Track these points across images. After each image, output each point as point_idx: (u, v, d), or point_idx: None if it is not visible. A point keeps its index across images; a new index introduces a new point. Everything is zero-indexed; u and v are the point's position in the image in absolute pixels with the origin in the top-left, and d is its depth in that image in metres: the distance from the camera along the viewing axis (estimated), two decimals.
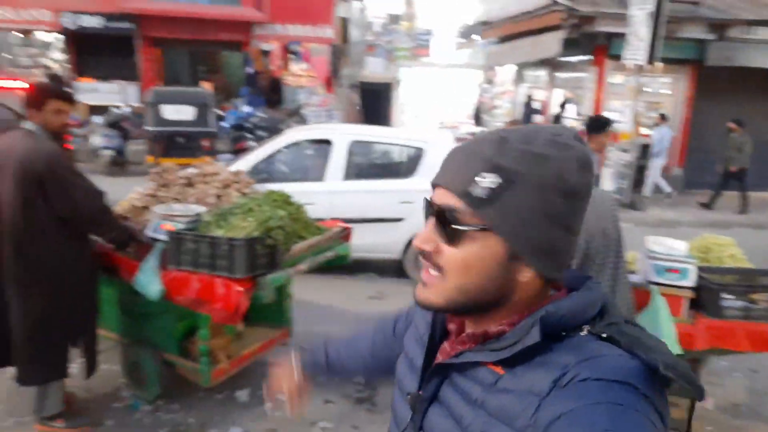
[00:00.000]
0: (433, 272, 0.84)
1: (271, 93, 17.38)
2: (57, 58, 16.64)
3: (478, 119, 16.82)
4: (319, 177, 5.99)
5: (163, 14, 16.01)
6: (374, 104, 18.94)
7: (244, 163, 5.96)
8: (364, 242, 5.61)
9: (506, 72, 17.88)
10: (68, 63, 16.76)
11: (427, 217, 0.86)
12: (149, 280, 3.23)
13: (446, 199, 0.82)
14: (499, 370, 0.81)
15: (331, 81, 17.60)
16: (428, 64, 18.92)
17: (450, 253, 0.82)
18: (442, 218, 0.81)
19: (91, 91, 15.90)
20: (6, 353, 3.15)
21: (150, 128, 10.55)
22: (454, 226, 0.80)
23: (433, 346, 0.96)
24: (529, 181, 0.78)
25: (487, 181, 0.78)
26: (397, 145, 6.43)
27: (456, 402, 0.85)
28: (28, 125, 3.08)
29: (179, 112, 10.70)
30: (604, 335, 0.78)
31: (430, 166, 5.98)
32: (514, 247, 0.79)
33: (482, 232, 0.79)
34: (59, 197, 2.97)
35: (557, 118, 13.51)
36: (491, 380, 0.81)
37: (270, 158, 6.15)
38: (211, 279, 3.09)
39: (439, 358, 0.94)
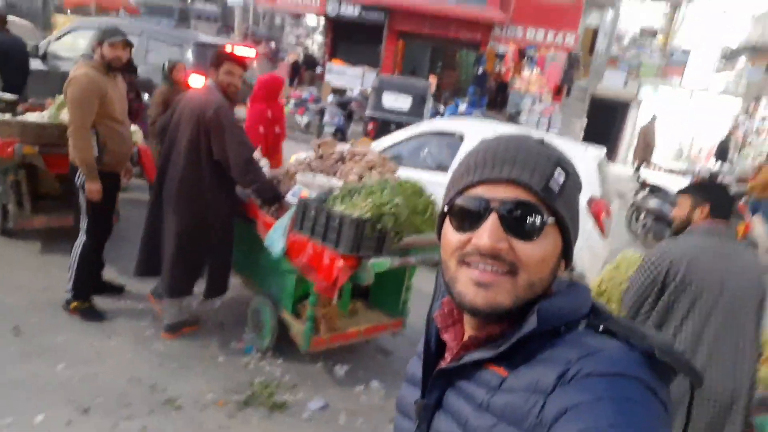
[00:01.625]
0: (494, 271, 0.81)
1: (496, 95, 17.32)
2: (317, 41, 18.82)
3: (723, 154, 14.56)
4: (445, 168, 5.84)
5: (412, 9, 16.98)
6: (604, 121, 17.67)
7: (380, 144, 6.06)
8: None
9: None
10: (325, 45, 18.81)
11: (482, 215, 0.82)
12: (276, 238, 3.51)
13: (518, 194, 0.81)
14: (503, 371, 0.81)
15: (561, 90, 16.85)
16: (677, 86, 16.93)
17: (527, 249, 0.81)
18: (519, 214, 0.80)
19: (339, 73, 17.60)
20: (156, 265, 3.78)
21: (369, 112, 11.32)
22: (536, 221, 0.80)
23: (429, 357, 0.95)
24: (573, 179, 0.85)
25: (561, 176, 0.82)
26: None
27: (461, 407, 0.84)
28: (208, 82, 3.58)
29: (397, 101, 11.28)
30: (601, 328, 0.80)
31: None
32: (569, 238, 0.84)
33: (553, 226, 0.82)
34: (217, 143, 3.47)
35: None
36: (496, 383, 0.80)
37: (404, 143, 6.18)
38: (321, 249, 3.23)
39: (442, 365, 0.92)
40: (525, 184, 0.81)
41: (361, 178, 3.82)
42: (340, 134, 12.15)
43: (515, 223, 0.81)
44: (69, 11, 18.80)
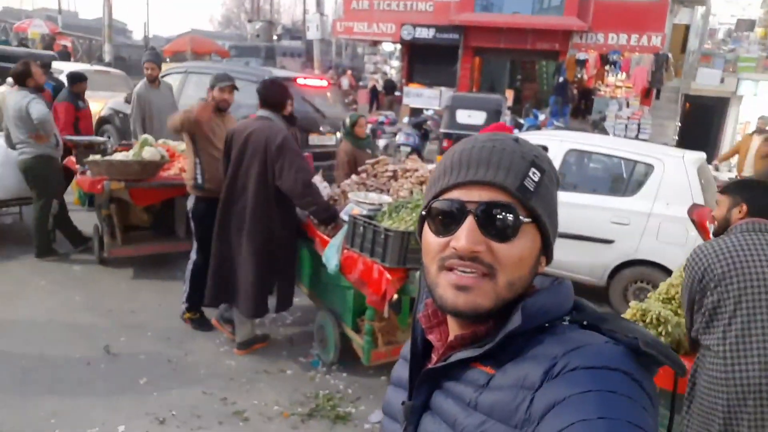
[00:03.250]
0: (473, 274, 0.82)
1: (579, 103, 16.77)
2: (394, 66, 19.24)
3: None
4: None
5: (487, 25, 16.94)
6: (703, 121, 16.56)
7: None
8: (564, 260, 5.18)
9: None
10: (402, 70, 19.18)
11: (459, 218, 0.83)
12: (332, 255, 3.64)
13: (494, 195, 0.82)
14: (490, 370, 0.81)
15: (649, 93, 16.03)
16: None
17: (504, 250, 0.81)
18: (494, 215, 0.81)
19: (417, 96, 17.86)
20: (227, 293, 4.01)
21: (443, 130, 11.39)
22: (512, 221, 0.81)
23: (416, 359, 0.95)
24: (549, 176, 0.85)
25: (535, 175, 0.83)
26: (621, 158, 5.57)
27: (449, 407, 0.84)
28: (266, 113, 3.85)
29: (471, 117, 11.27)
30: (585, 323, 0.81)
31: (659, 186, 5.10)
32: (548, 236, 0.85)
33: (530, 224, 0.83)
34: (279, 168, 3.71)
35: None
36: (483, 381, 0.81)
37: None
38: (370, 263, 3.32)
39: (428, 366, 0.93)
40: (500, 185, 0.81)
41: (411, 193, 3.89)
42: (416, 153, 12.29)
43: (491, 224, 0.81)
44: (168, 59, 20.53)
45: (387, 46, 19.50)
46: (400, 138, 12.31)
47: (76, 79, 6.47)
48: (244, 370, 3.91)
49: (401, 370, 0.99)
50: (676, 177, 5.06)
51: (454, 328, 0.90)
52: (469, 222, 0.81)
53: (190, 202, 4.38)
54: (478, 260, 0.81)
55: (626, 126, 14.76)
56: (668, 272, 4.83)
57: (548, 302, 0.83)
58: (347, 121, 6.00)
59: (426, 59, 18.49)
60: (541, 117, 14.04)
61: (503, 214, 0.81)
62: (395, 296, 3.30)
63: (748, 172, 8.67)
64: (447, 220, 0.84)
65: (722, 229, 2.52)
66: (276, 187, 3.78)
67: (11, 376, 3.59)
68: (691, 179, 5.04)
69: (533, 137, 6.33)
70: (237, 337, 4.14)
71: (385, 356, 3.69)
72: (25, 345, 3.97)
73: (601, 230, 5.25)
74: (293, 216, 3.99)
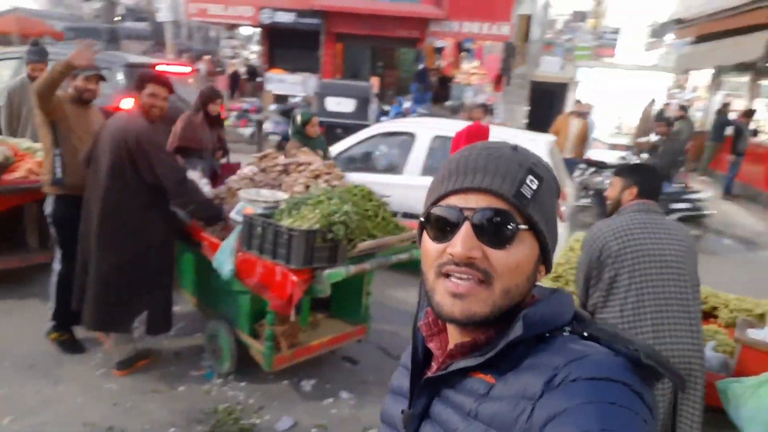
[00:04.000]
0: (469, 281, 0.82)
1: (439, 90, 17.43)
2: (253, 51, 18.54)
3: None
4: (398, 170, 5.85)
5: (347, 10, 16.88)
6: (546, 105, 18.02)
7: (334, 150, 6.04)
8: None
9: (701, 77, 15.71)
10: (262, 55, 18.52)
11: (455, 224, 0.83)
12: (224, 260, 3.38)
13: (490, 202, 0.82)
14: (490, 379, 0.81)
15: (501, 80, 17.11)
16: (611, 65, 17.40)
17: (500, 257, 0.81)
18: (489, 221, 0.81)
19: (279, 82, 17.33)
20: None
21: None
22: (508, 228, 0.81)
23: (417, 367, 0.95)
24: (548, 184, 0.85)
25: (533, 182, 0.83)
26: None
27: (449, 416, 0.84)
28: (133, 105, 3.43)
29: (340, 104, 11.20)
30: (586, 334, 0.81)
31: None
32: (546, 243, 0.85)
33: (527, 231, 0.83)
34: (145, 167, 3.34)
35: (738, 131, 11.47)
36: (483, 390, 0.81)
37: (356, 147, 6.15)
38: (272, 266, 3.13)
39: (428, 374, 0.92)
40: (496, 192, 0.82)
41: (307, 188, 3.73)
42: (286, 142, 11.98)
43: (488, 230, 0.81)
44: None
45: (245, 30, 18.73)
46: (268, 126, 11.92)
47: None
48: (129, 392, 3.52)
49: (401, 379, 0.99)
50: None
51: (454, 337, 0.90)
52: (466, 228, 0.82)
53: (48, 206, 3.81)
54: (474, 266, 0.81)
55: None
56: None
57: (549, 312, 0.84)
58: (298, 119, 5.55)
59: (287, 44, 18.03)
60: (406, 104, 14.37)
61: (499, 220, 0.82)
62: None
63: (568, 152, 9.43)
64: (444, 227, 0.84)
65: (614, 208, 2.74)
66: (138, 190, 3.42)
67: None
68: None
69: (402, 125, 6.47)
70: (115, 356, 3.71)
71: (288, 360, 3.53)
72: None
73: None
74: (166, 220, 3.60)
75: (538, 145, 5.51)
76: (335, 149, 5.99)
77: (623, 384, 0.73)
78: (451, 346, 0.90)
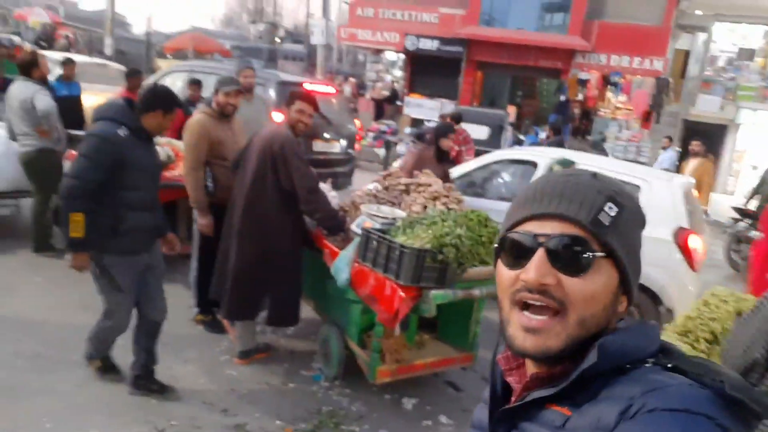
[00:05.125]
0: (543, 316, 0.81)
1: (579, 122, 16.85)
2: (396, 75, 19.24)
3: None
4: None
5: (491, 39, 16.99)
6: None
7: (453, 173, 6.05)
8: None
9: None
10: (404, 80, 19.17)
11: (530, 250, 0.82)
12: (342, 268, 3.57)
13: (566, 229, 0.81)
14: (566, 411, 0.79)
15: (650, 116, 16.14)
16: None
17: (575, 285, 0.80)
18: (565, 247, 0.80)
19: (417, 106, 17.81)
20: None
21: None
22: (584, 255, 0.80)
23: (496, 401, 0.94)
24: (631, 213, 0.84)
25: (612, 210, 0.82)
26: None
27: None
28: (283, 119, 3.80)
29: (473, 131, 11.23)
30: (670, 366, 0.77)
31: (645, 207, 5.12)
32: (626, 273, 0.83)
33: (606, 259, 0.81)
34: (283, 173, 3.66)
35: None
36: (559, 422, 0.79)
37: (477, 172, 6.10)
38: (383, 279, 3.25)
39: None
40: (572, 218, 0.81)
41: (425, 208, 3.83)
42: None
43: (562, 257, 0.80)
44: (170, 56, 20.40)
45: (390, 55, 19.52)
46: (401, 148, 12.28)
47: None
48: (246, 380, 3.82)
49: (481, 413, 0.98)
50: (663, 199, 5.00)
51: (531, 368, 0.89)
52: (540, 254, 0.81)
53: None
54: (547, 294, 0.80)
55: (625, 148, 14.84)
56: (651, 294, 4.82)
57: (629, 342, 0.80)
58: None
59: (428, 70, 18.50)
60: (542, 134, 14.08)
61: (574, 247, 0.80)
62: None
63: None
64: (519, 253, 0.83)
65: None
66: (277, 195, 3.73)
67: (4, 376, 3.48)
68: (677, 202, 5.01)
69: (524, 153, 6.36)
70: (238, 345, 4.05)
71: (390, 375, 3.62)
72: (18, 343, 3.85)
73: None
74: (298, 225, 3.89)
75: (672, 186, 5.15)
76: (456, 171, 6.05)
77: (706, 417, 0.68)
78: (527, 378, 0.89)
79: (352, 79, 19.96)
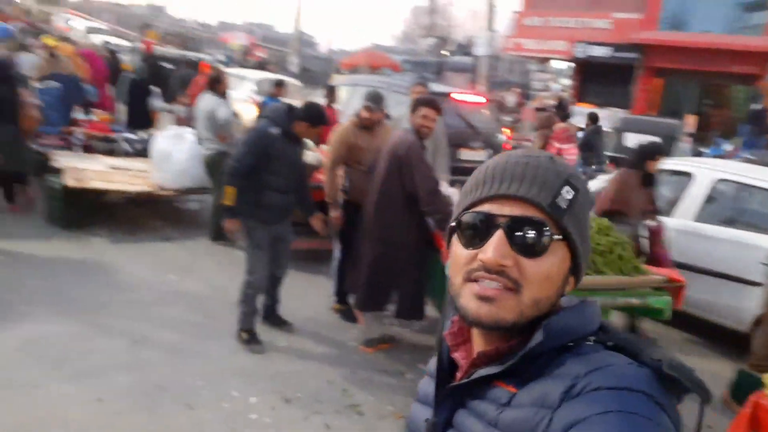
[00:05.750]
0: (497, 286, 0.82)
1: None
2: (564, 84, 18.61)
3: None
4: (667, 212, 5.21)
5: (671, 44, 15.75)
6: None
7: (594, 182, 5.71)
8: (700, 298, 4.69)
9: None
10: (572, 89, 18.48)
11: (488, 231, 0.83)
12: None
13: (526, 211, 0.83)
14: (512, 388, 0.81)
15: None
16: None
17: (532, 266, 0.82)
18: (524, 230, 0.82)
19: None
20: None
21: (608, 152, 10.82)
22: (542, 238, 0.82)
23: (442, 377, 0.94)
24: (584, 196, 0.86)
25: (569, 193, 0.84)
26: None
27: (472, 425, 0.85)
28: (405, 124, 4.07)
29: (641, 141, 10.55)
30: (610, 344, 0.81)
31: None
32: (578, 255, 0.86)
33: (561, 242, 0.84)
34: (407, 175, 3.95)
35: None
36: (505, 399, 0.81)
37: None
38: None
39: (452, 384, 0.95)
40: (532, 201, 0.82)
41: None
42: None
43: (521, 239, 0.81)
44: (346, 72, 21.96)
45: (557, 64, 18.96)
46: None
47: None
48: (367, 367, 4.13)
49: (427, 387, 0.99)
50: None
51: (478, 346, 0.90)
52: (498, 235, 0.81)
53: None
54: (504, 274, 0.81)
55: None
56: None
57: (572, 321, 0.83)
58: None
59: (598, 78, 17.66)
60: (728, 147, 12.68)
61: (533, 229, 0.81)
62: None
63: None
64: (476, 233, 0.84)
65: None
66: (403, 195, 4.01)
67: (177, 339, 4.18)
68: None
69: (679, 163, 5.84)
70: (366, 334, 4.39)
71: None
72: (188, 313, 4.60)
73: (748, 270, 4.68)
74: (419, 223, 4.11)
75: None
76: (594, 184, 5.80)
77: (645, 394, 0.72)
78: (474, 355, 0.90)
79: (516, 89, 19.71)
